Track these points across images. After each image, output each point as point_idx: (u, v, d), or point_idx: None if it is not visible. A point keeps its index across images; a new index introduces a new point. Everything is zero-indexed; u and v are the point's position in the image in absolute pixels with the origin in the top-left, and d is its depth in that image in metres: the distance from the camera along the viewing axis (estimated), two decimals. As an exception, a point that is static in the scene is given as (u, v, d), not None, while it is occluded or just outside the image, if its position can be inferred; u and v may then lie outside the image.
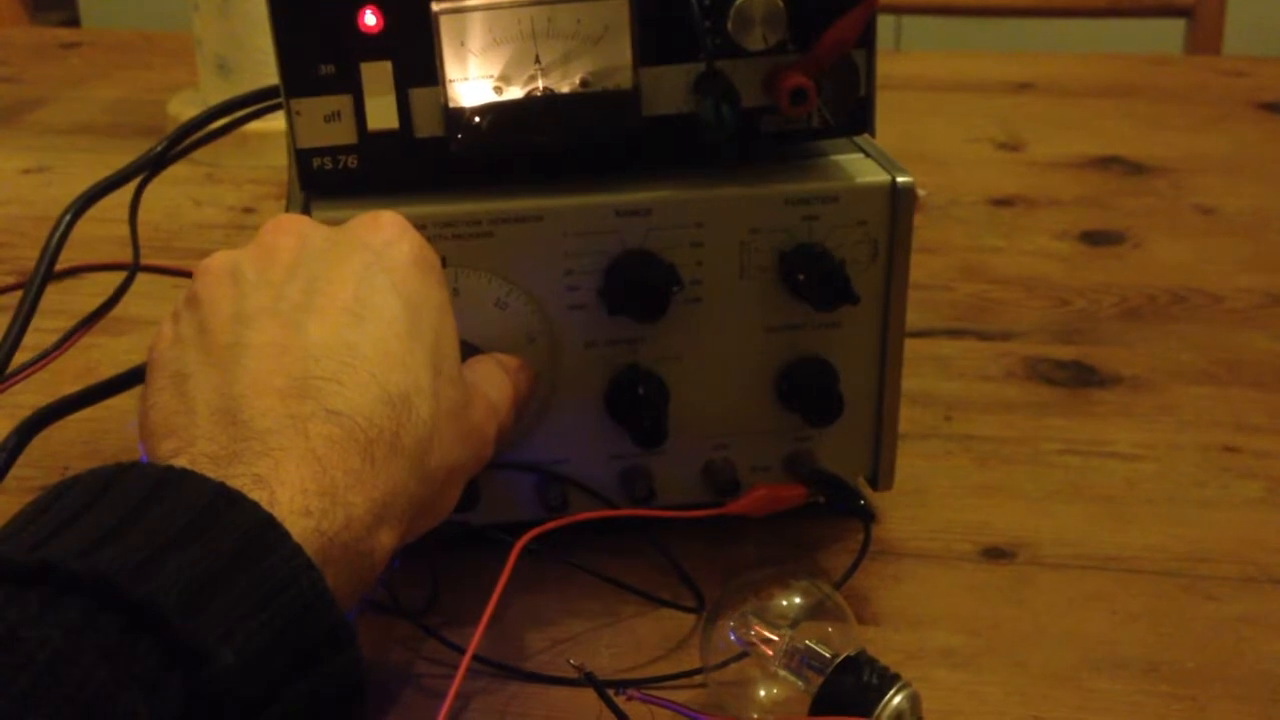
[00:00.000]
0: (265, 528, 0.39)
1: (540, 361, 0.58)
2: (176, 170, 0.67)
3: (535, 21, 0.54)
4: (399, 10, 0.54)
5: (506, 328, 0.57)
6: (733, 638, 0.51)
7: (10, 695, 0.33)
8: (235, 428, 0.43)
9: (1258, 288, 0.89)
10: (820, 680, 0.49)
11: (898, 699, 0.48)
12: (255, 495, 0.40)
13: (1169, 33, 1.70)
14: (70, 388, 0.58)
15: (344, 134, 0.55)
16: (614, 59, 0.55)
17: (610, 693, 0.51)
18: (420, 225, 0.52)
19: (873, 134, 0.59)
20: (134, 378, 0.57)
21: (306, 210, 0.56)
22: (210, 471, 0.40)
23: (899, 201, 0.58)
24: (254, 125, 0.68)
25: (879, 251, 0.59)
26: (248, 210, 1.04)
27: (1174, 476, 0.69)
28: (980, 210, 1.02)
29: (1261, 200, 1.03)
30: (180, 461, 0.41)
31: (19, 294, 0.61)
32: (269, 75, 0.56)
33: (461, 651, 0.51)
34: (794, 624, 0.51)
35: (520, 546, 0.52)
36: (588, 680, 0.51)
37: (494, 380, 0.53)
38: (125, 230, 0.67)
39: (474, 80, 0.55)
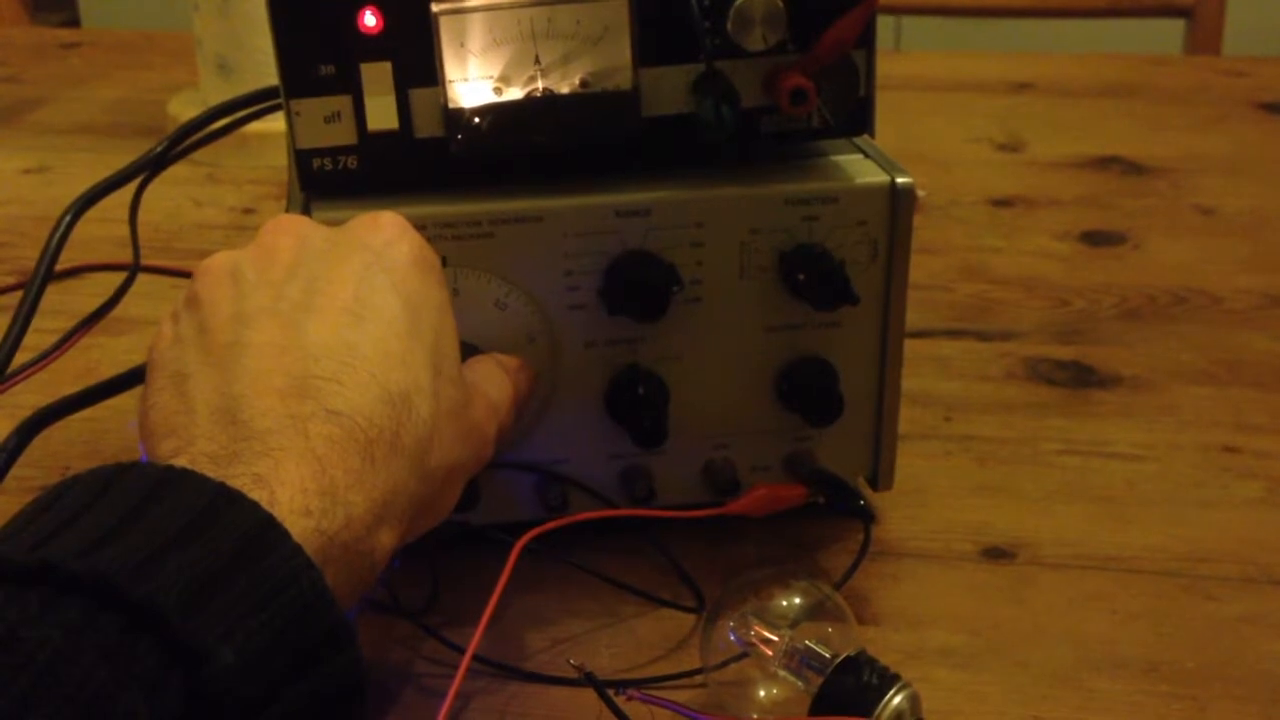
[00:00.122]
0: (265, 527, 0.39)
1: (540, 361, 0.58)
2: (177, 170, 0.67)
3: (535, 22, 0.54)
4: (399, 11, 0.54)
5: (506, 328, 0.57)
6: (733, 638, 0.51)
7: (10, 695, 0.33)
8: (235, 427, 0.43)
9: (1257, 288, 0.89)
10: (820, 680, 0.49)
11: (898, 699, 0.48)
12: (255, 495, 0.40)
13: (1169, 33, 1.70)
14: (70, 388, 0.58)
15: (344, 134, 0.55)
16: (614, 59, 0.55)
17: (610, 693, 0.51)
18: (420, 226, 0.52)
19: (872, 134, 0.59)
20: (134, 378, 0.57)
21: (306, 211, 0.56)
22: (210, 471, 0.40)
23: (899, 202, 0.58)
24: (254, 126, 0.68)
25: (879, 252, 0.59)
26: (248, 211, 1.04)
27: (1174, 477, 0.69)
28: (980, 210, 1.02)
29: (1261, 200, 1.03)
30: (180, 461, 0.41)
31: (19, 294, 0.61)
32: (269, 76, 0.56)
33: (461, 651, 0.51)
34: (794, 624, 0.51)
35: (520, 546, 0.52)
36: (588, 680, 0.51)
37: (494, 380, 0.53)
38: (125, 230, 0.67)
39: (474, 81, 0.55)
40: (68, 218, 0.62)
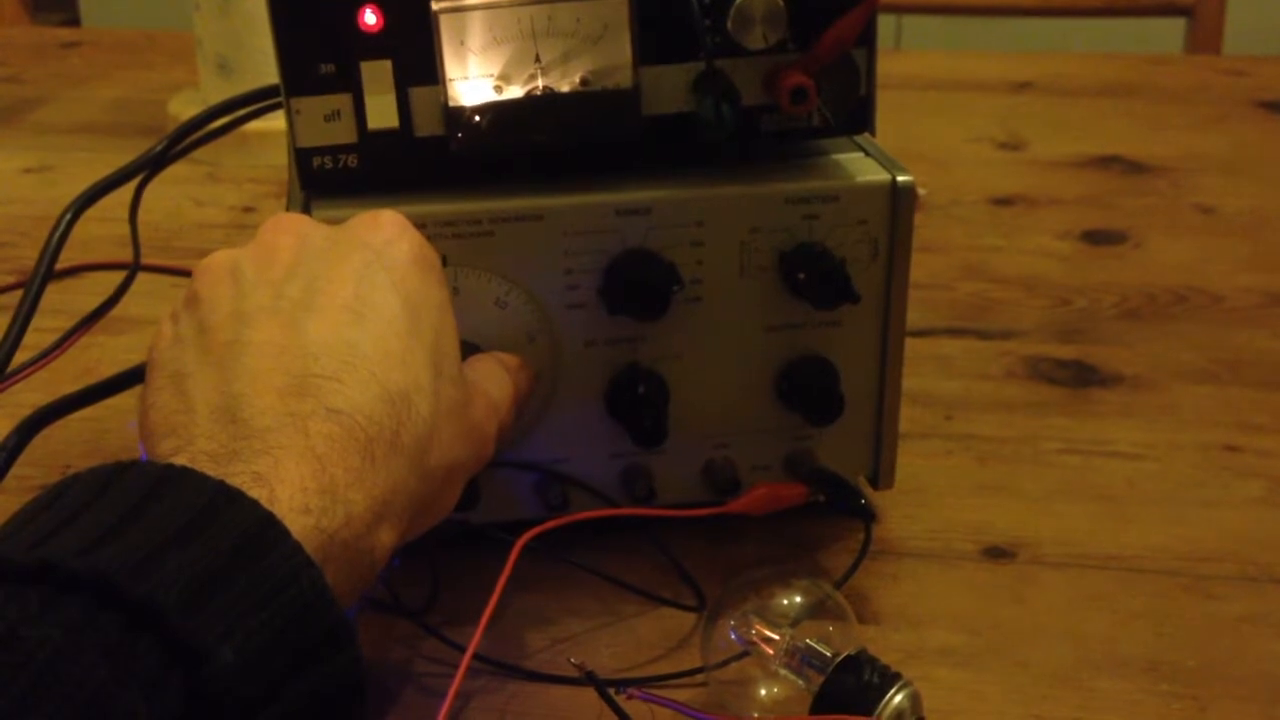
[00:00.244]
0: (265, 525, 0.39)
1: (540, 360, 0.58)
2: (177, 170, 0.67)
3: (535, 20, 0.54)
4: (399, 9, 0.54)
5: (506, 327, 0.57)
6: (733, 637, 0.51)
7: (10, 694, 0.33)
8: (235, 426, 0.43)
9: (1258, 287, 0.89)
10: (821, 679, 0.49)
11: (898, 698, 0.48)
12: (255, 493, 0.39)
13: (1169, 32, 1.70)
14: (70, 387, 0.58)
15: (344, 133, 0.55)
16: (614, 58, 0.55)
17: (611, 692, 0.50)
18: (420, 224, 0.52)
19: (873, 133, 0.59)
20: (134, 377, 0.57)
21: (307, 209, 0.56)
22: (210, 470, 0.40)
23: (899, 201, 0.58)
24: (254, 124, 0.68)
25: (879, 251, 0.59)
26: (248, 210, 1.04)
27: (1175, 476, 0.69)
28: (980, 210, 1.02)
29: (1262, 200, 1.03)
30: (180, 460, 0.41)
31: (19, 293, 0.61)
32: (269, 74, 0.56)
33: (462, 650, 0.51)
34: (795, 623, 0.51)
35: (521, 545, 0.52)
36: (589, 679, 0.51)
37: (494, 379, 0.53)
38: (125, 230, 0.67)
39: (474, 79, 0.55)
40: (68, 217, 0.62)
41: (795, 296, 0.59)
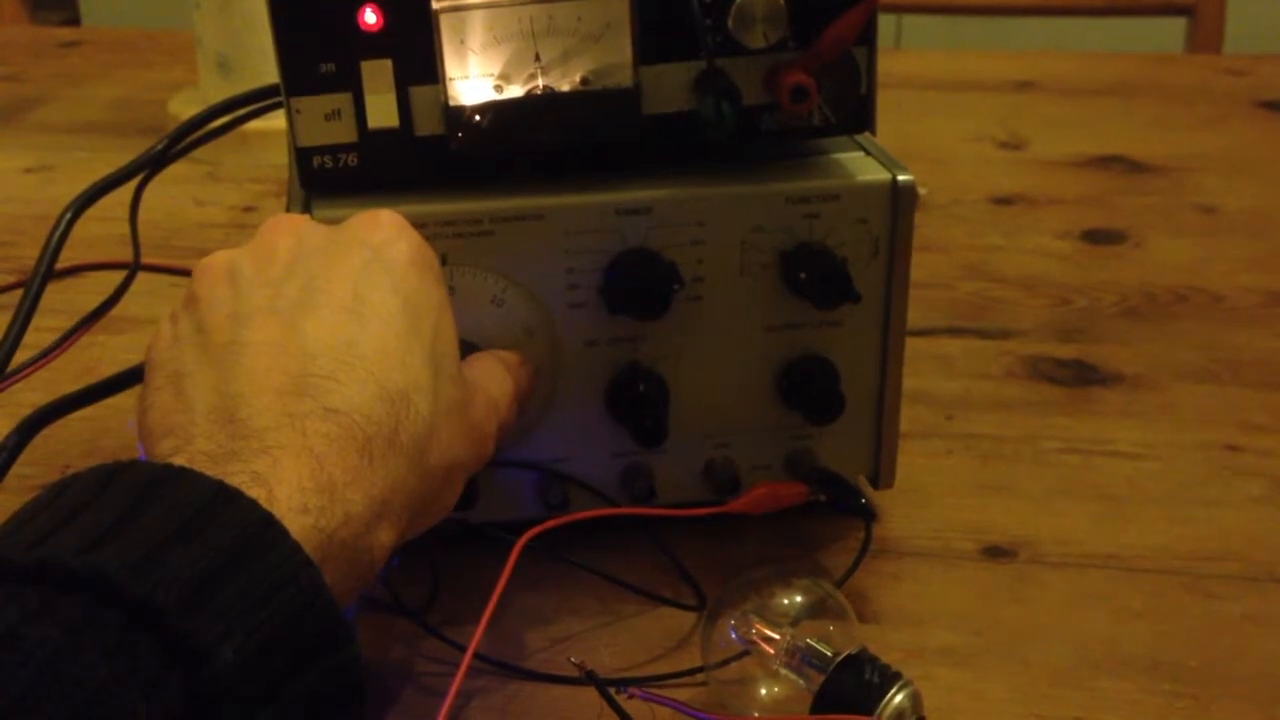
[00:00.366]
0: (264, 525, 0.39)
1: (540, 355, 0.58)
2: (177, 169, 0.67)
3: (535, 20, 0.54)
4: (399, 8, 0.54)
5: (504, 324, 0.57)
6: (734, 636, 0.51)
7: (10, 693, 0.33)
8: (233, 426, 0.43)
9: (1259, 286, 0.89)
10: (821, 678, 0.49)
11: (899, 697, 0.48)
12: (253, 493, 0.39)
13: (1170, 32, 1.70)
14: (70, 386, 0.58)
15: (344, 132, 0.55)
16: (614, 57, 0.55)
17: (611, 691, 0.50)
18: (421, 224, 0.52)
19: (873, 132, 0.59)
20: (134, 376, 0.57)
21: (307, 209, 0.56)
22: (208, 469, 0.40)
23: (900, 200, 0.58)
24: (254, 124, 0.68)
25: (880, 250, 0.59)
26: (248, 209, 1.04)
27: (1175, 475, 0.69)
28: (981, 209, 1.02)
29: (1263, 199, 1.03)
30: (178, 460, 0.41)
31: (19, 293, 0.61)
32: (269, 74, 0.56)
33: (462, 650, 0.51)
34: (795, 622, 0.51)
35: (521, 545, 0.52)
36: (589, 679, 0.51)
37: (494, 377, 0.53)
38: (126, 229, 0.67)
39: (474, 78, 0.55)
40: (68, 216, 0.62)
41: (796, 296, 0.59)
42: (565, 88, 0.55)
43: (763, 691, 0.50)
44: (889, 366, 0.61)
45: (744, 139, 0.57)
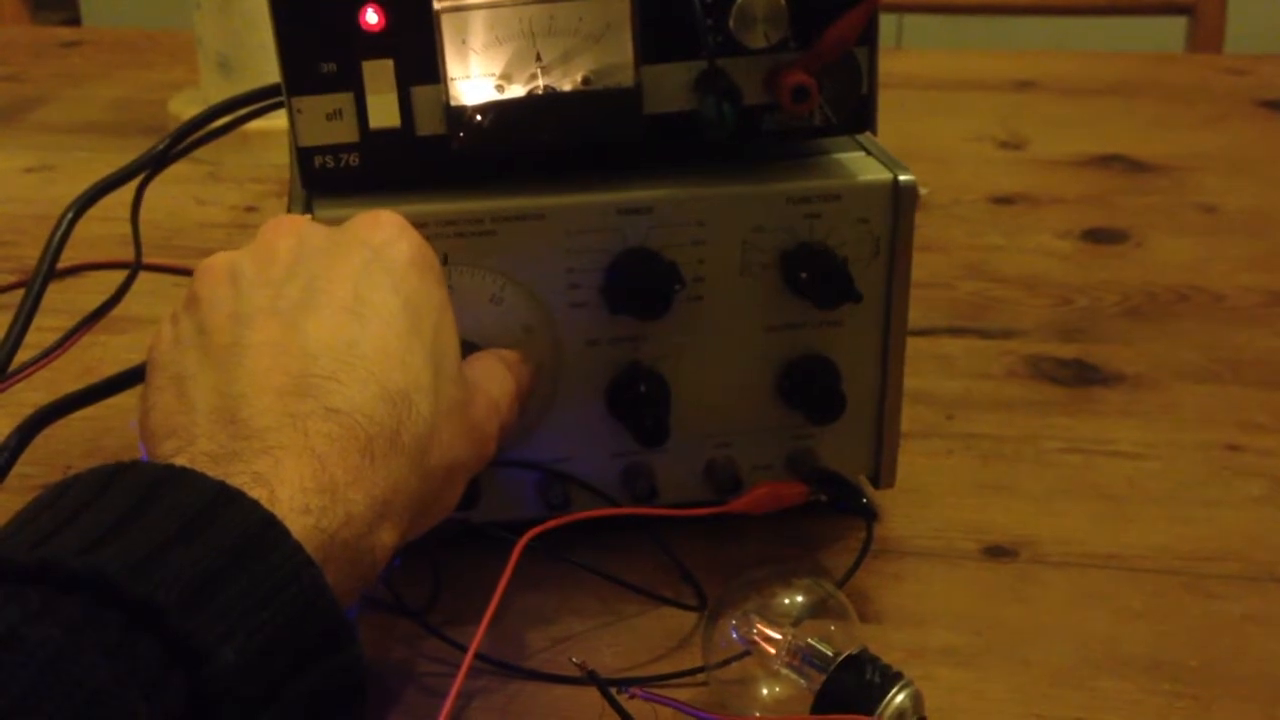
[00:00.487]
0: (265, 526, 0.39)
1: (540, 352, 0.58)
2: (178, 169, 0.67)
3: (537, 19, 0.54)
4: (400, 8, 0.54)
5: (503, 322, 0.57)
6: (735, 636, 0.51)
7: (10, 694, 0.33)
8: (234, 426, 0.43)
9: (1260, 286, 0.89)
10: (822, 678, 0.49)
11: (900, 697, 0.48)
12: (255, 493, 0.39)
13: (1170, 31, 1.70)
14: (72, 386, 0.58)
15: (345, 132, 0.55)
16: (615, 57, 0.55)
17: (612, 691, 0.50)
18: (422, 224, 0.52)
19: (874, 132, 0.59)
20: (135, 376, 0.57)
21: (309, 208, 0.56)
22: (209, 470, 0.40)
23: (901, 200, 0.58)
24: (255, 124, 0.68)
25: (880, 250, 0.59)
26: (249, 209, 1.04)
27: (1176, 475, 0.69)
28: (982, 209, 1.02)
29: (1263, 199, 1.03)
30: (180, 460, 0.41)
31: (21, 292, 0.61)
32: (270, 73, 0.56)
33: (463, 650, 0.51)
34: (796, 622, 0.51)
35: (522, 545, 0.52)
36: (590, 679, 0.51)
37: (495, 376, 0.53)
38: (127, 229, 0.67)
39: (475, 78, 0.55)
40: (69, 216, 0.62)
41: (797, 296, 0.59)
42: (566, 87, 0.55)
43: (764, 691, 0.51)
44: (890, 366, 0.61)
45: (745, 139, 0.57)
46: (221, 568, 0.37)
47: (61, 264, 0.62)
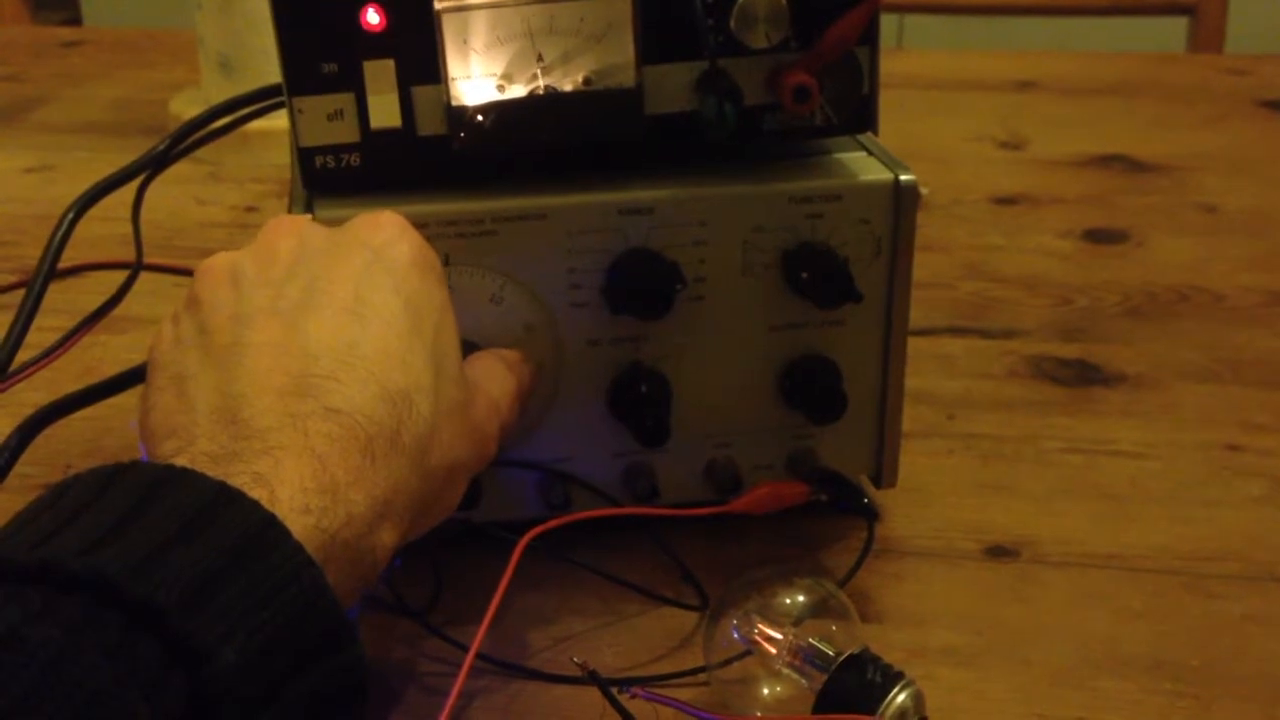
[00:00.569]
0: (266, 526, 0.39)
1: (541, 351, 0.58)
2: (179, 169, 0.67)
3: (538, 20, 0.54)
4: (401, 8, 0.54)
5: (503, 322, 0.57)
6: (736, 636, 0.51)
7: (11, 694, 0.33)
8: (235, 426, 0.43)
9: (1261, 286, 0.89)
10: (824, 678, 0.49)
11: (901, 697, 0.48)
12: (255, 493, 0.39)
13: (1171, 31, 1.70)
14: (72, 386, 0.58)
15: (346, 132, 0.55)
16: (616, 57, 0.55)
17: (614, 691, 0.50)
18: (423, 224, 0.52)
19: (875, 132, 0.59)
20: (136, 376, 0.57)
21: (309, 208, 0.56)
22: (210, 470, 0.40)
23: (902, 199, 0.58)
24: (256, 124, 0.68)
25: (882, 249, 0.59)
26: (250, 209, 1.04)
27: (1177, 475, 0.69)
28: (983, 209, 1.02)
29: (1264, 199, 1.03)
30: (180, 461, 0.41)
31: (21, 292, 0.61)
32: (271, 74, 0.56)
33: (464, 649, 0.51)
34: (797, 622, 0.51)
35: (523, 545, 0.52)
36: (591, 678, 0.51)
37: (496, 376, 0.53)
38: (128, 229, 0.67)
39: (476, 78, 0.55)
40: (70, 216, 0.62)
41: (798, 295, 0.59)
42: (567, 88, 0.55)
43: (765, 691, 0.51)
44: (891, 366, 0.61)
45: (746, 139, 0.57)
46: (222, 568, 0.37)
47: (62, 264, 0.62)
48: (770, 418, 0.61)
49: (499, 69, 0.55)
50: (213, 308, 0.48)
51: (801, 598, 0.52)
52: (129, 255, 0.69)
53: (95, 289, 0.83)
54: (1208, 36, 1.58)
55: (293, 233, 0.50)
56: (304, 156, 0.56)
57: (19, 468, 0.54)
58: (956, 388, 0.77)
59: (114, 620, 0.35)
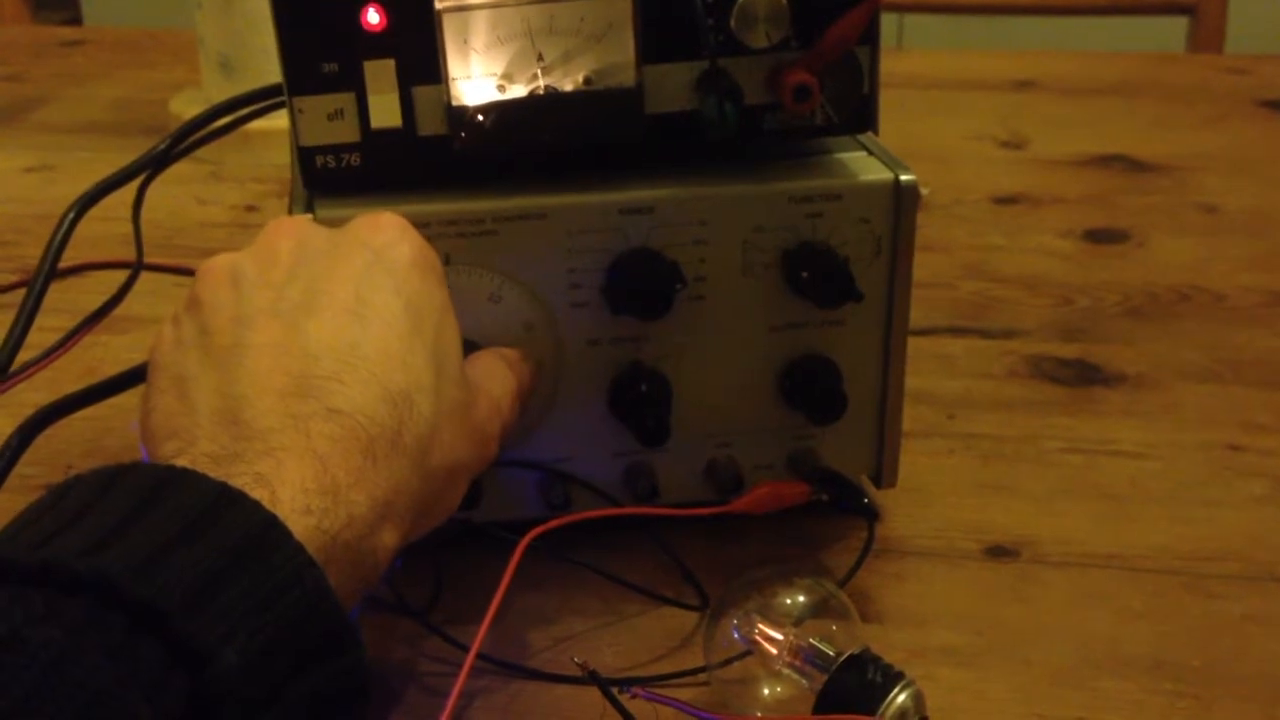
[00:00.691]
0: (267, 527, 0.39)
1: (541, 350, 0.58)
2: (179, 169, 0.67)
3: (538, 19, 0.54)
4: (402, 8, 0.54)
5: (503, 321, 0.57)
6: (736, 636, 0.51)
7: (13, 695, 0.33)
8: (236, 427, 0.43)
9: (1261, 286, 0.89)
10: (824, 678, 0.49)
11: (902, 697, 0.48)
12: (256, 494, 0.39)
13: (1171, 31, 1.70)
14: (73, 386, 0.58)
15: (347, 132, 0.55)
16: (617, 57, 0.55)
17: (614, 691, 0.50)
18: (424, 224, 0.52)
19: (876, 131, 0.59)
20: (136, 376, 0.57)
21: (310, 208, 0.56)
22: (211, 471, 0.40)
23: (902, 199, 0.58)
24: (257, 123, 0.68)
25: (882, 249, 0.59)
26: (250, 208, 1.04)
27: (1177, 475, 0.69)
28: (983, 208, 1.02)
29: (1264, 198, 1.03)
30: (182, 462, 0.41)
31: (22, 292, 0.61)
32: (271, 73, 0.56)
33: (465, 650, 0.51)
34: (798, 622, 0.51)
35: (524, 545, 0.52)
36: (592, 678, 0.51)
37: (496, 376, 0.53)
38: (128, 228, 0.67)
39: (477, 78, 0.55)
40: (71, 215, 0.62)
41: (798, 295, 0.59)
42: (568, 87, 0.55)
43: (765, 691, 0.51)
44: (891, 366, 0.61)
45: (746, 139, 0.57)
46: (223, 569, 0.37)
47: (63, 264, 0.62)
48: (770, 418, 0.61)
49: (499, 69, 0.55)
50: (213, 309, 0.48)
51: (802, 598, 0.52)
52: (129, 255, 0.69)
53: (96, 289, 0.83)
54: (1208, 36, 1.58)
55: (293, 234, 0.50)
56: (304, 156, 0.56)
57: (20, 468, 0.54)
58: (957, 388, 0.77)
59: (116, 621, 0.35)
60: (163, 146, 0.64)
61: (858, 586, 0.59)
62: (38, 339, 0.62)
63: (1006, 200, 1.03)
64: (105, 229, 0.70)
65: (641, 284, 0.57)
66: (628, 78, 0.55)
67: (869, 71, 0.57)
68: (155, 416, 0.46)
